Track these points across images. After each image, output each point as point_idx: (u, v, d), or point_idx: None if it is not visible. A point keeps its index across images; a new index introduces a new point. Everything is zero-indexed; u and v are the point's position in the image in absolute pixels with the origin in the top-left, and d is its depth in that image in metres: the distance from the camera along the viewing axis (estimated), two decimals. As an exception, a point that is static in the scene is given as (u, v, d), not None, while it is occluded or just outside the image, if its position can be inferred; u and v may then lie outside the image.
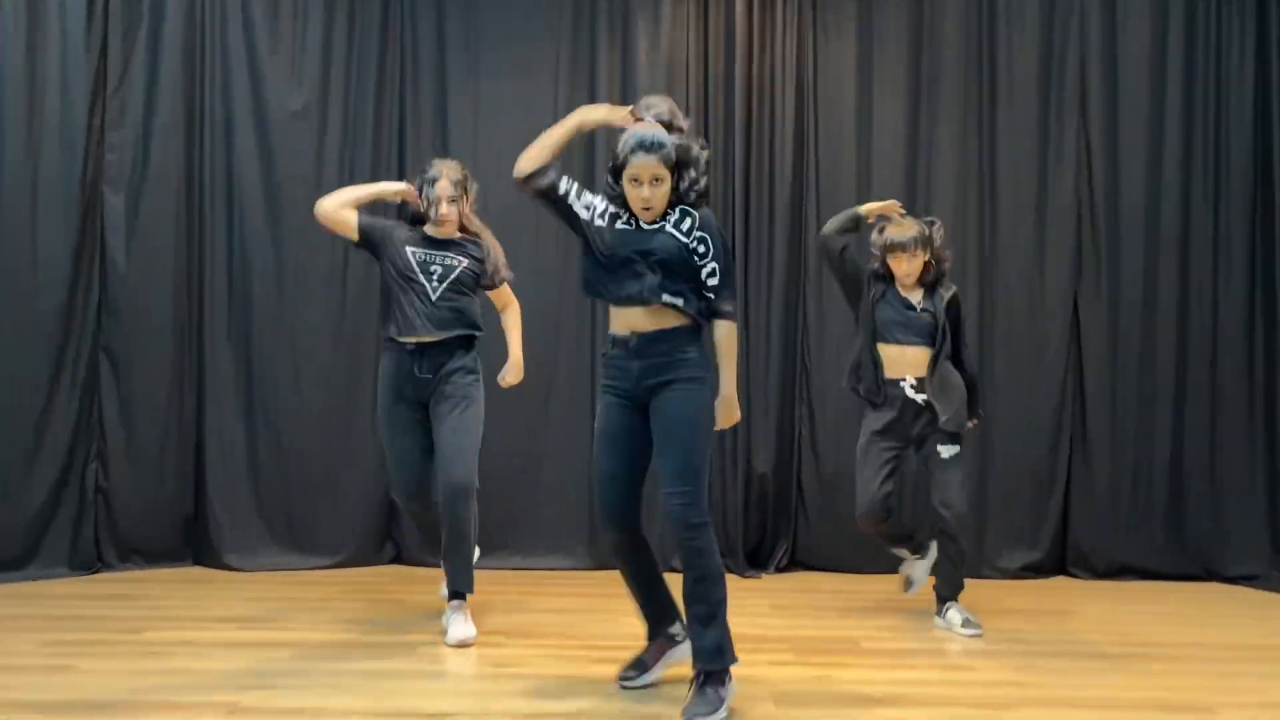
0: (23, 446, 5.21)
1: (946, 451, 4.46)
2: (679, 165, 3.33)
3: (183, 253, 5.61)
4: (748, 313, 5.76)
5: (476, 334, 4.31)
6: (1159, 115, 5.87)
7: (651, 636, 3.70)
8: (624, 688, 3.63)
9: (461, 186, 4.31)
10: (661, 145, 3.31)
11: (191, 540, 5.62)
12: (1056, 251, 5.87)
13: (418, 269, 4.19)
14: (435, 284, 4.18)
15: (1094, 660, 4.11)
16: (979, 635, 4.40)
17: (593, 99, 5.74)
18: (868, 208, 4.71)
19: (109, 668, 3.72)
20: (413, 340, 4.19)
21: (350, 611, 4.66)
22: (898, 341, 4.56)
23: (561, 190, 3.44)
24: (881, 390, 4.56)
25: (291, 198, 5.60)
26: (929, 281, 4.58)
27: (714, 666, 3.32)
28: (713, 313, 3.35)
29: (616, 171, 3.36)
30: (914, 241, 4.51)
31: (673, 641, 3.67)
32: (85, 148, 5.35)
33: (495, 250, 4.40)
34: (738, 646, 3.43)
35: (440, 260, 4.25)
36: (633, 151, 3.30)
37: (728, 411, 3.41)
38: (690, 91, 5.80)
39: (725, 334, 3.35)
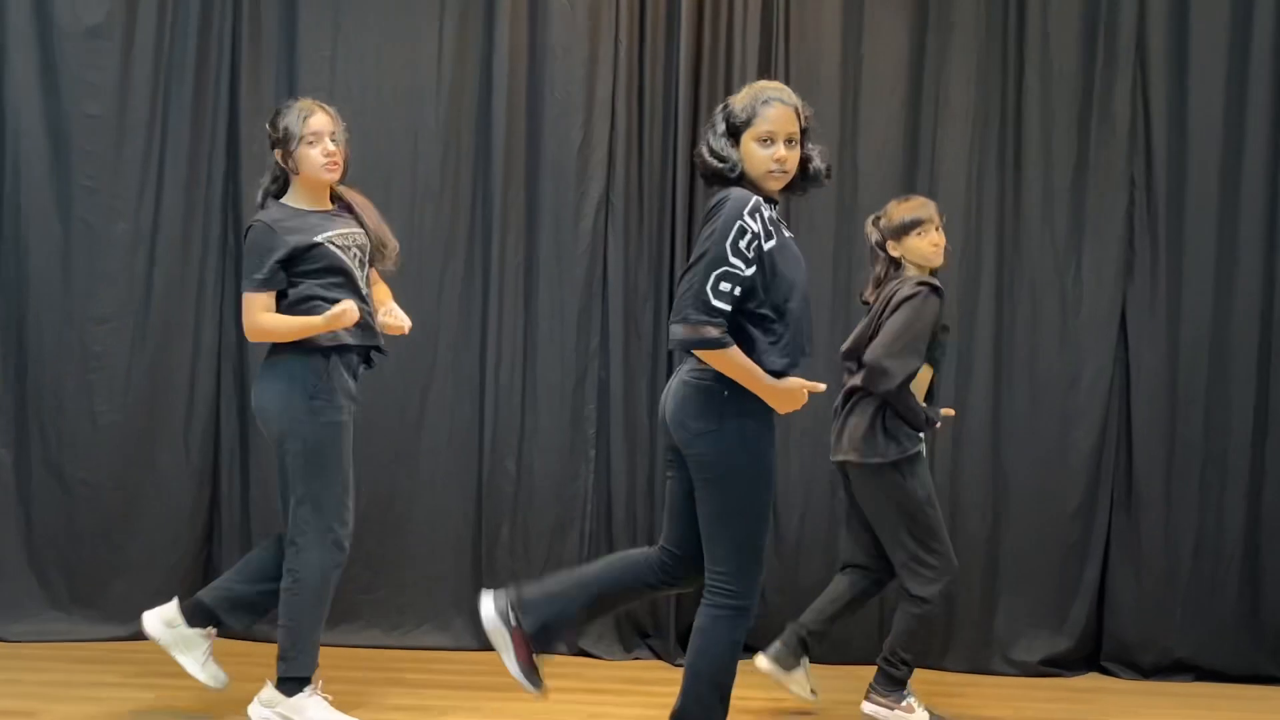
0: None
1: None
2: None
3: (-67, 216, 4.60)
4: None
5: None
6: (1240, 76, 4.68)
7: None
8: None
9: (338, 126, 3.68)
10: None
11: (-64, 600, 4.65)
12: (1099, 244, 4.76)
13: (345, 259, 3.59)
14: (361, 271, 3.65)
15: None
16: None
17: (490, 28, 4.72)
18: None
19: None
20: (364, 343, 3.64)
21: (153, 700, 3.99)
22: None
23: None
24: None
25: (84, 146, 4.61)
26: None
27: None
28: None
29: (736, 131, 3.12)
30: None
31: None
32: None
33: (370, 211, 3.76)
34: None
35: (352, 238, 3.64)
36: (765, 102, 3.10)
37: None
38: (620, 19, 4.72)
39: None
